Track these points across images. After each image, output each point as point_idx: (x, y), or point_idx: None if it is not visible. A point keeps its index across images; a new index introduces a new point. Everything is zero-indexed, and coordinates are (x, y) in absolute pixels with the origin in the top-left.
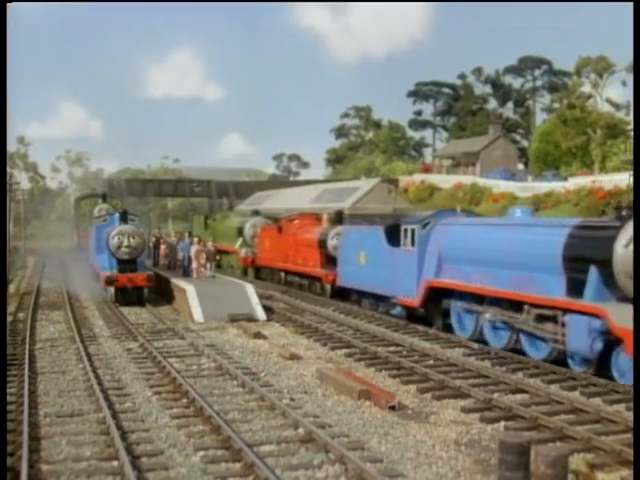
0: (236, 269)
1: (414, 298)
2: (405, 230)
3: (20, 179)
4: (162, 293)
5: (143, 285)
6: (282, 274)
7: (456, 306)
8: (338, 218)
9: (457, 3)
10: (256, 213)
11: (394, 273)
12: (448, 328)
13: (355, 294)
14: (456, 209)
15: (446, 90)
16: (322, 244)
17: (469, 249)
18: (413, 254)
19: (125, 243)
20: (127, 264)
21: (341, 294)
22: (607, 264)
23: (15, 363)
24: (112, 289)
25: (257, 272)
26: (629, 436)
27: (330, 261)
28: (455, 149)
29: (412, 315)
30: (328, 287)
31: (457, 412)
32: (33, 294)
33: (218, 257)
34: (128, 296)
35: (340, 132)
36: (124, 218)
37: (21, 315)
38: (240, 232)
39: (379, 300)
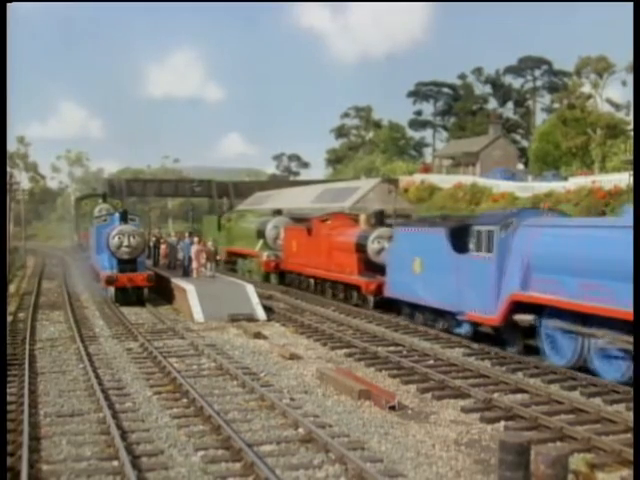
0: (256, 274)
1: (492, 314)
2: (478, 233)
3: (20, 179)
4: (162, 293)
5: (143, 285)
6: (311, 281)
7: (550, 326)
8: (379, 219)
9: (457, 3)
10: (278, 212)
11: (462, 284)
12: (531, 351)
13: (406, 307)
14: (540, 207)
15: (446, 90)
16: (361, 248)
17: (573, 257)
18: (490, 262)
19: (125, 243)
20: (127, 264)
21: (386, 306)
22: None
23: (15, 363)
24: (112, 289)
25: (281, 278)
26: (629, 436)
27: (371, 267)
28: (455, 149)
29: (479, 334)
30: (370, 298)
31: (457, 412)
32: (33, 294)
33: (218, 258)
34: (128, 296)
35: (340, 132)
36: (124, 218)
37: (21, 315)
38: (260, 233)
39: (438, 315)
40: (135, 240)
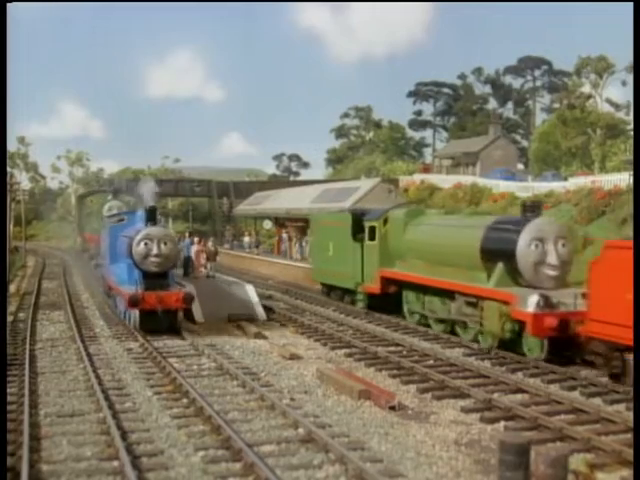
0: (488, 336)
1: None
2: None
3: (21, 179)
4: None
5: (178, 307)
6: None
7: None
8: None
9: (457, 3)
10: (534, 209)
11: None
12: None
13: None
14: None
15: (446, 90)
16: None
17: None
18: None
19: (154, 251)
20: (156, 279)
21: None
22: None
23: (16, 363)
24: (136, 312)
25: (558, 354)
26: (629, 436)
27: None
28: (455, 149)
29: None
30: None
31: (457, 412)
32: (34, 294)
33: (218, 258)
34: (157, 321)
35: (340, 132)
36: (152, 218)
37: (22, 315)
38: (497, 253)
39: None
40: (167, 247)
